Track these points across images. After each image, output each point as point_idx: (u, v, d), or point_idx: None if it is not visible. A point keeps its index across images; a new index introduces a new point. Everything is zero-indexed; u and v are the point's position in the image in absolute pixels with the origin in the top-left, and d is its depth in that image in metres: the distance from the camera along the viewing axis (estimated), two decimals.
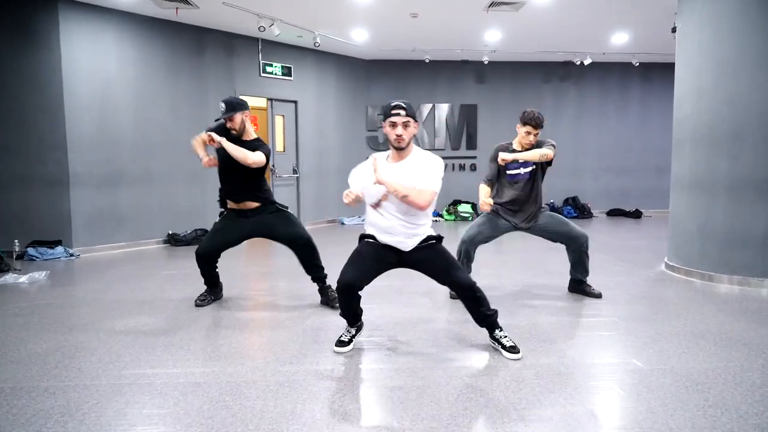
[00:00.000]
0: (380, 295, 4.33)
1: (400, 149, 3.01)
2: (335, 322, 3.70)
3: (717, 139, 4.85)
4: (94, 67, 6.61)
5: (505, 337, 3.15)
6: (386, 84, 10.16)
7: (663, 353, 3.12)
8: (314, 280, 4.18)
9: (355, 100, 10.02)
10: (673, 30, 5.78)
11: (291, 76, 8.80)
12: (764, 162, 4.63)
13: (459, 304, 4.17)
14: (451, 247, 3.51)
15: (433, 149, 10.01)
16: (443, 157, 3.39)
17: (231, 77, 8.02)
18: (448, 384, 2.71)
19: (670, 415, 2.36)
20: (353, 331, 3.27)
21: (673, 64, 5.48)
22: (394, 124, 2.96)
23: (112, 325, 3.70)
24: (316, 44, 8.13)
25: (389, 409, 2.46)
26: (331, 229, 8.81)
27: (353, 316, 3.24)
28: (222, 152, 3.92)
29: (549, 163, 4.18)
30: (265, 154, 3.90)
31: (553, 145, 4.15)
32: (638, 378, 2.77)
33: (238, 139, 3.99)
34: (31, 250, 6.25)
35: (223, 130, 4.01)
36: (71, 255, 6.36)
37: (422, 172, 2.95)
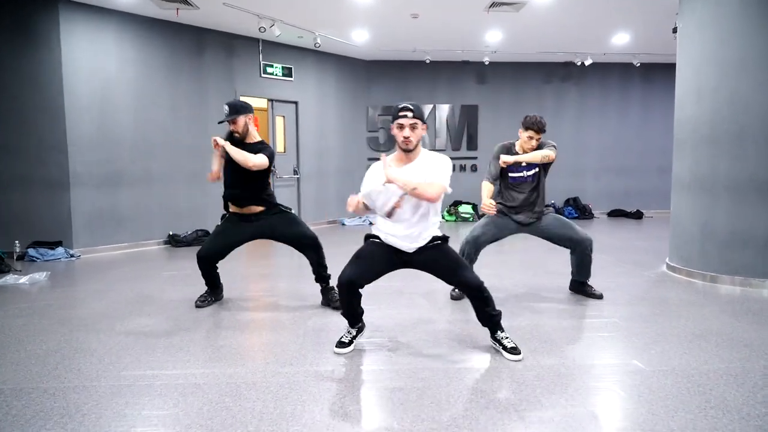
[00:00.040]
0: (381, 297, 4.32)
1: (408, 151, 3.01)
2: (336, 324, 3.70)
3: (718, 139, 4.84)
4: (94, 68, 6.61)
5: (507, 338, 3.14)
6: (387, 85, 10.16)
7: (664, 354, 3.11)
8: (318, 280, 4.18)
9: (356, 101, 10.02)
10: (674, 30, 5.77)
11: (291, 76, 8.80)
12: (765, 162, 4.61)
13: (459, 306, 4.18)
14: (453, 248, 3.50)
15: (433, 150, 9.98)
16: None
17: (231, 78, 8.03)
18: (448, 385, 2.70)
19: (671, 416, 2.36)
20: (354, 332, 3.26)
21: (674, 64, 5.47)
22: (401, 126, 2.96)
23: (112, 326, 3.70)
24: (317, 45, 8.13)
25: (389, 410, 2.46)
26: (332, 229, 8.80)
27: (354, 316, 3.23)
28: (228, 156, 3.93)
29: (550, 163, 4.18)
30: (268, 157, 3.90)
31: (554, 146, 4.15)
32: (639, 379, 2.76)
33: (241, 142, 4.00)
34: (31, 251, 6.25)
35: (230, 135, 4.04)
36: (72, 256, 6.36)
37: (431, 171, 2.95)
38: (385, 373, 2.90)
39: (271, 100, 8.62)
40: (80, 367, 2.96)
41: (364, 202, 3.13)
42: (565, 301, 4.32)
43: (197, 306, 4.17)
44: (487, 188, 4.22)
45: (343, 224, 9.61)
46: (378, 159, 3.15)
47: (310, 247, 4.10)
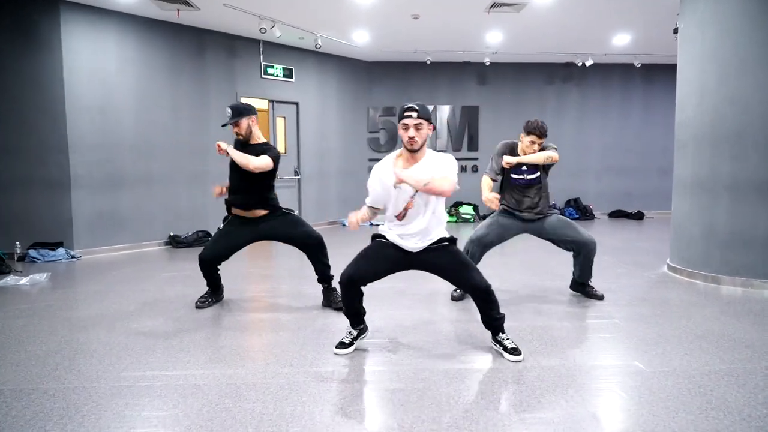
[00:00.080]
0: (382, 298, 4.31)
1: (413, 151, 3.00)
2: (336, 325, 3.70)
3: (719, 139, 4.83)
4: (95, 68, 6.62)
5: (507, 339, 3.13)
6: (388, 85, 10.16)
7: (665, 355, 3.10)
8: (321, 280, 4.17)
9: (357, 102, 10.02)
10: (675, 31, 5.77)
11: (292, 77, 8.80)
12: (766, 163, 4.61)
13: (460, 307, 4.17)
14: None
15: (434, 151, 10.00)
16: None
17: (232, 79, 8.03)
18: (449, 386, 2.69)
19: (672, 417, 2.35)
20: (355, 333, 3.25)
21: (675, 65, 5.46)
22: (406, 126, 2.96)
23: (112, 327, 3.70)
24: (318, 46, 8.14)
25: (390, 411, 2.45)
26: (333, 230, 8.80)
27: (355, 316, 3.22)
28: (234, 161, 3.93)
29: (551, 164, 4.17)
30: (272, 158, 3.89)
31: (555, 149, 4.15)
32: (640, 380, 2.75)
33: (245, 144, 4.01)
34: (32, 252, 6.25)
35: (237, 138, 4.08)
36: (72, 257, 6.36)
37: (438, 170, 2.94)
38: (386, 374, 2.89)
39: (271, 101, 8.62)
40: (80, 368, 2.95)
41: (370, 207, 3.12)
42: (566, 301, 4.31)
43: (198, 307, 4.17)
44: (487, 182, 4.23)
45: (344, 225, 9.61)
46: (379, 159, 3.15)
47: (315, 247, 4.10)
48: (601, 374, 2.85)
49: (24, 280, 5.06)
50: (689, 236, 5.14)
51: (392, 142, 10.01)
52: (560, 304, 4.24)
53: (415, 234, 3.04)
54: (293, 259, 6.17)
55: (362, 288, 3.14)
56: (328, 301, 4.15)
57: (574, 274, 4.42)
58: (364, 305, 3.23)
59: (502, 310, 3.15)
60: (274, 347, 3.30)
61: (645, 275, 5.30)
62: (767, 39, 4.55)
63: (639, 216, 10.51)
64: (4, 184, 6.39)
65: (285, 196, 8.41)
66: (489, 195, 4.10)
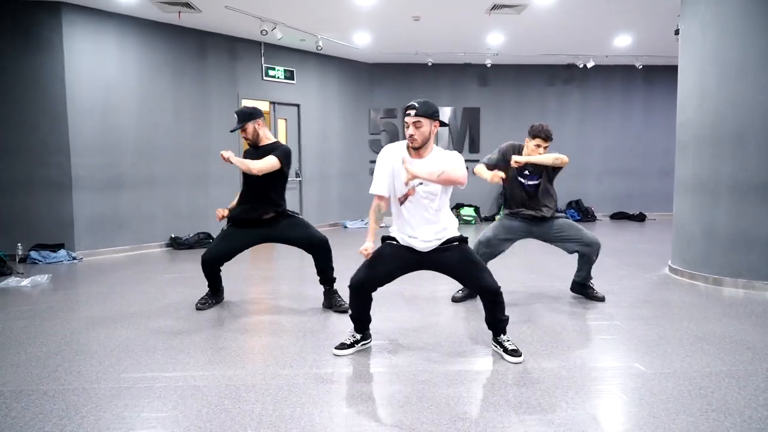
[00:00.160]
0: (382, 299, 4.30)
1: (414, 149, 3.01)
2: (337, 326, 3.70)
3: (720, 141, 4.82)
4: (96, 71, 6.64)
5: (508, 340, 3.13)
6: (389, 87, 10.17)
7: (666, 357, 3.09)
8: (323, 282, 4.17)
9: (358, 104, 10.02)
10: (676, 32, 5.76)
11: (293, 79, 8.81)
12: (767, 164, 4.60)
13: (460, 308, 4.17)
14: None
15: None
16: None
17: (234, 81, 8.04)
18: (448, 388, 2.69)
19: (672, 419, 2.34)
20: (358, 337, 3.24)
21: (677, 66, 5.46)
22: (407, 124, 2.98)
23: (113, 328, 3.70)
24: (319, 48, 8.15)
25: (389, 412, 2.45)
26: (334, 232, 8.80)
27: (361, 321, 3.22)
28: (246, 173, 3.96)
29: (555, 170, 4.16)
30: (277, 157, 3.89)
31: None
32: (640, 382, 2.75)
33: (254, 147, 4.05)
34: (33, 254, 6.26)
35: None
36: (74, 258, 6.37)
37: (446, 163, 2.94)
38: (386, 375, 2.89)
39: (273, 103, 8.62)
40: (80, 370, 2.96)
41: (379, 204, 3.10)
42: (567, 303, 4.30)
43: (198, 308, 4.17)
44: (482, 168, 4.11)
45: (345, 227, 9.61)
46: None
47: (320, 249, 4.10)
48: (602, 376, 2.84)
49: (25, 282, 5.07)
50: (691, 238, 5.13)
51: None
52: (561, 305, 4.24)
53: (423, 231, 3.02)
54: (294, 261, 6.17)
55: (372, 293, 3.14)
56: (329, 303, 4.15)
57: (576, 276, 4.41)
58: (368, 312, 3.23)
59: (507, 314, 3.15)
60: (274, 349, 3.30)
61: (646, 277, 5.29)
62: (767, 40, 4.56)
63: (641, 217, 10.49)
64: (5, 185, 6.41)
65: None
66: (490, 174, 3.94)
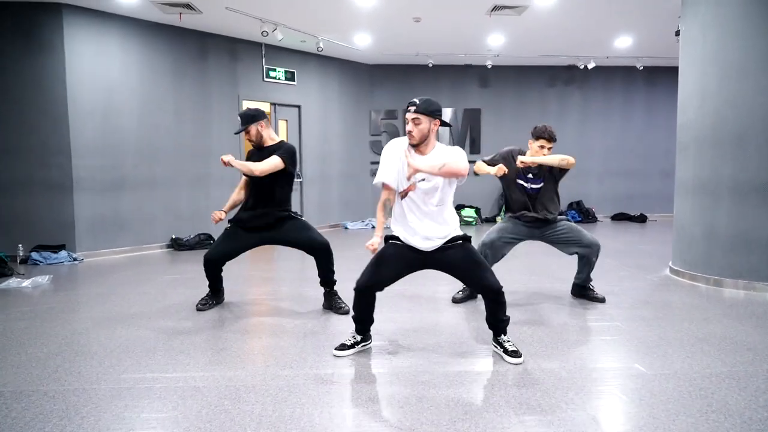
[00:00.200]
0: (382, 300, 4.27)
1: (414, 146, 3.02)
2: (337, 327, 3.70)
3: (721, 142, 4.82)
4: (97, 72, 6.65)
5: (508, 341, 3.13)
6: (389, 88, 10.18)
7: (666, 358, 3.09)
8: (323, 284, 4.18)
9: (359, 105, 10.03)
10: (677, 33, 5.76)
11: (294, 80, 8.82)
12: None
13: (461, 309, 4.17)
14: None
15: None
16: None
17: (235, 82, 8.05)
18: (448, 389, 2.69)
19: (672, 420, 2.34)
20: (359, 338, 3.24)
21: (677, 67, 5.45)
22: (406, 121, 3.01)
23: (113, 329, 3.70)
24: (319, 49, 8.16)
25: (389, 413, 2.45)
26: (335, 233, 8.80)
27: (363, 322, 3.22)
28: (252, 176, 3.95)
29: (562, 172, 4.16)
30: (280, 157, 3.89)
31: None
32: (641, 383, 2.74)
33: (259, 149, 4.06)
34: (35, 255, 6.27)
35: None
36: (75, 259, 6.38)
37: (447, 157, 2.95)
38: (385, 376, 2.89)
39: (273, 104, 8.63)
40: (80, 370, 2.96)
41: (387, 199, 3.10)
42: (567, 304, 4.30)
43: (198, 309, 4.17)
44: (483, 164, 4.15)
45: (346, 228, 9.62)
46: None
47: (321, 253, 4.10)
48: (602, 377, 2.84)
49: (26, 283, 5.08)
50: (691, 239, 5.13)
51: None
52: (561, 306, 4.23)
53: (425, 227, 3.03)
54: (294, 262, 6.17)
55: (376, 293, 3.15)
56: (330, 304, 4.15)
57: (576, 279, 4.41)
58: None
59: (508, 314, 3.15)
60: (274, 349, 3.30)
61: (647, 278, 5.28)
62: None
63: (642, 219, 10.49)
64: (6, 186, 6.42)
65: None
66: (494, 168, 3.97)
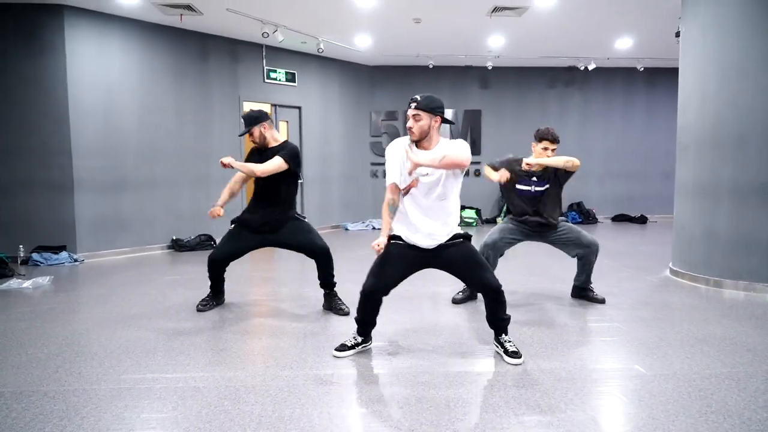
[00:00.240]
0: (383, 300, 4.31)
1: (414, 142, 3.03)
2: (337, 328, 3.70)
3: (721, 143, 4.82)
4: (98, 73, 6.66)
5: (509, 341, 3.13)
6: (390, 90, 10.19)
7: (666, 359, 3.09)
8: (323, 286, 4.18)
9: (359, 106, 10.04)
10: (677, 35, 5.77)
11: (295, 82, 8.83)
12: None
13: (461, 310, 4.17)
14: None
15: None
16: None
17: (235, 83, 8.06)
18: (448, 389, 2.69)
19: (671, 420, 2.34)
20: (359, 340, 3.24)
21: (678, 68, 5.46)
22: (408, 117, 3.02)
23: (113, 330, 3.71)
24: (320, 50, 8.17)
25: (389, 414, 2.45)
26: (335, 234, 8.81)
27: (366, 324, 3.23)
28: (257, 177, 3.96)
29: (567, 174, 4.16)
30: (283, 158, 3.90)
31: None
32: (640, 383, 2.74)
33: (263, 150, 4.07)
34: (35, 255, 6.28)
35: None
36: (75, 260, 6.39)
37: (449, 149, 2.96)
38: (385, 377, 2.89)
39: (274, 105, 8.64)
40: (81, 371, 2.96)
41: (392, 198, 3.09)
42: (567, 304, 4.30)
43: (198, 310, 4.18)
44: (489, 169, 4.25)
45: (347, 229, 9.62)
46: (381, 164, 3.16)
47: (321, 257, 4.10)
48: (602, 377, 2.84)
49: (27, 284, 5.08)
50: (691, 240, 5.13)
51: None
52: (561, 307, 4.23)
53: (427, 224, 3.03)
54: (295, 263, 6.17)
55: (383, 298, 3.16)
56: (330, 305, 4.16)
57: (576, 281, 4.41)
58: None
59: (508, 313, 3.15)
60: (274, 350, 3.31)
61: (647, 279, 5.28)
62: None
63: (642, 220, 10.49)
64: (7, 186, 6.43)
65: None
66: (497, 174, 4.06)
